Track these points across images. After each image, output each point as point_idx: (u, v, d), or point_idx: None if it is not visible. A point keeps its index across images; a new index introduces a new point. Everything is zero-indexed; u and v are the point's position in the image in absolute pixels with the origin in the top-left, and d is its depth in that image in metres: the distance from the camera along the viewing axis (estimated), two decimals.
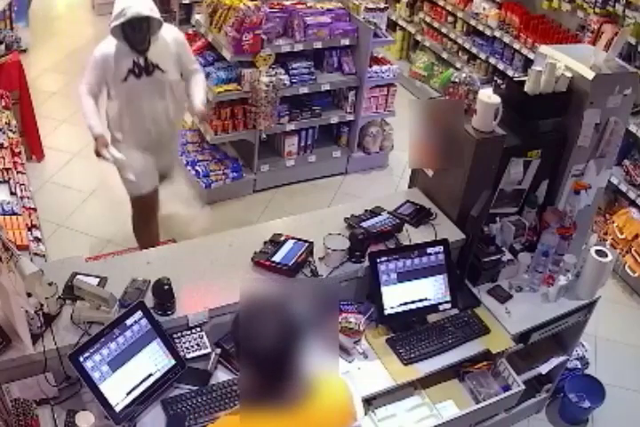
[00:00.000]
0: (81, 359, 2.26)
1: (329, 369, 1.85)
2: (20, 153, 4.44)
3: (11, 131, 4.46)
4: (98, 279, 2.62)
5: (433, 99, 3.87)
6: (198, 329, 2.60)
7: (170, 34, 3.67)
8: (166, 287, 2.52)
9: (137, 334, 2.41)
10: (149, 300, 2.54)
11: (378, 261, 2.78)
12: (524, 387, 2.84)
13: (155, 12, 3.49)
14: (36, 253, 3.61)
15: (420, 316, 2.90)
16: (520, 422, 3.61)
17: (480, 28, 5.88)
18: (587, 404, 3.63)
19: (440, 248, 2.87)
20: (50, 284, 2.42)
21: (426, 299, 2.87)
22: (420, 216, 3.14)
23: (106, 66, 3.60)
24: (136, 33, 3.47)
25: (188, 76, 3.83)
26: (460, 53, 6.33)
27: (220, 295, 2.64)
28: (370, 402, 2.69)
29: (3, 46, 6.11)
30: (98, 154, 3.61)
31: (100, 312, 2.47)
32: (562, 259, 3.06)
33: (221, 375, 2.57)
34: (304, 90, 4.83)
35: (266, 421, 1.71)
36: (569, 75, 3.05)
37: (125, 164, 3.64)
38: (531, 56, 5.23)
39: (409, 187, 3.48)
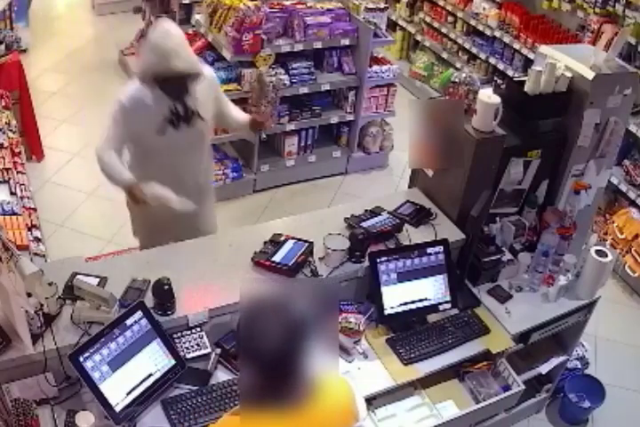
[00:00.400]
0: (81, 359, 2.26)
1: (329, 369, 1.85)
2: (20, 153, 4.44)
3: (11, 131, 4.46)
4: (98, 279, 2.62)
5: (433, 99, 3.87)
6: (198, 329, 2.60)
7: (208, 75, 3.18)
8: (166, 287, 2.52)
9: (137, 334, 2.40)
10: (149, 300, 2.54)
11: (378, 261, 2.78)
12: (523, 387, 2.84)
13: (196, 65, 2.98)
14: (36, 253, 3.61)
15: (420, 316, 2.90)
16: (520, 422, 3.61)
17: (480, 28, 5.88)
18: (587, 404, 3.63)
19: (440, 248, 2.87)
20: (50, 284, 2.42)
21: (426, 299, 2.87)
22: (420, 216, 3.14)
23: (136, 116, 2.99)
24: (173, 85, 2.96)
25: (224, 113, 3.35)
26: (459, 53, 6.33)
27: (220, 295, 2.64)
28: (370, 402, 2.69)
29: (3, 46, 6.11)
30: (137, 201, 2.98)
31: (100, 312, 2.47)
32: (562, 259, 3.06)
33: (221, 375, 2.57)
34: (304, 90, 4.83)
35: (267, 421, 1.71)
36: (569, 75, 3.05)
37: (168, 194, 2.99)
38: (531, 56, 5.23)
39: (409, 187, 3.48)
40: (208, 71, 3.22)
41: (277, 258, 2.79)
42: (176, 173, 3.13)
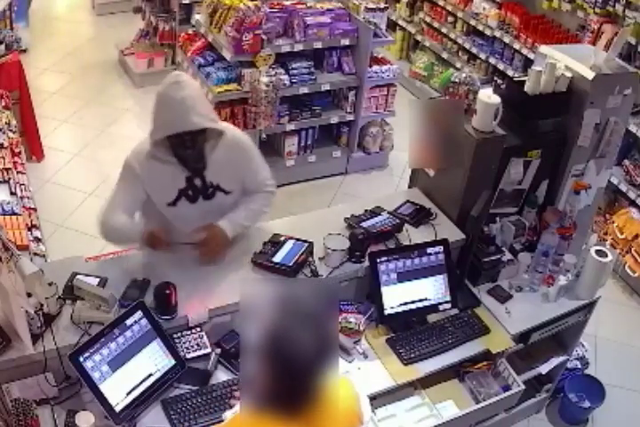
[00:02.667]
0: (81, 359, 2.26)
1: (330, 370, 1.85)
2: (19, 153, 4.44)
3: (11, 131, 4.46)
4: (98, 279, 2.62)
5: (433, 99, 3.86)
6: (198, 329, 2.60)
7: (231, 138, 2.69)
8: (167, 291, 2.51)
9: (137, 334, 2.40)
10: (149, 300, 2.54)
11: (378, 261, 2.78)
12: (523, 387, 2.84)
13: (213, 120, 2.58)
14: (35, 253, 3.61)
15: (420, 316, 2.90)
16: (520, 422, 3.61)
17: (480, 28, 5.88)
18: (587, 404, 3.63)
19: (440, 248, 2.87)
20: (50, 284, 2.42)
21: (426, 299, 2.87)
22: (420, 216, 3.14)
23: (146, 180, 2.63)
24: (187, 149, 2.59)
25: (257, 191, 2.84)
26: (460, 53, 6.33)
27: (220, 295, 2.65)
28: (370, 402, 2.68)
29: (3, 46, 6.11)
30: (160, 245, 2.69)
31: (99, 312, 2.47)
32: (562, 259, 3.06)
33: (221, 375, 2.57)
34: (304, 90, 4.83)
35: (271, 423, 1.71)
36: (569, 75, 3.05)
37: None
38: (531, 56, 5.23)
39: (409, 187, 3.48)
40: (236, 134, 2.75)
41: (277, 258, 2.79)
42: (182, 232, 2.76)
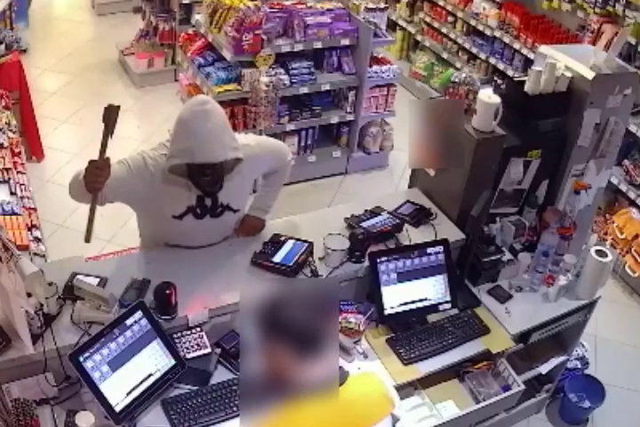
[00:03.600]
0: (81, 359, 2.26)
1: (328, 370, 1.86)
2: (19, 153, 4.44)
3: (11, 131, 4.46)
4: (98, 279, 2.62)
5: (433, 99, 3.87)
6: (198, 329, 2.60)
7: (247, 158, 2.55)
8: (167, 291, 2.51)
9: (137, 334, 2.40)
10: (149, 300, 2.54)
11: (378, 261, 2.78)
12: (524, 387, 2.84)
13: (235, 149, 2.47)
14: (35, 253, 3.61)
15: (420, 316, 2.90)
16: (520, 422, 3.62)
17: (480, 28, 5.88)
18: (587, 404, 3.63)
19: (440, 248, 2.87)
20: (50, 284, 2.42)
21: (426, 299, 2.87)
22: (420, 216, 3.14)
23: (154, 193, 2.57)
24: (206, 177, 2.52)
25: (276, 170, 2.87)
26: (459, 53, 6.33)
27: (220, 295, 2.64)
28: None
29: (3, 46, 6.11)
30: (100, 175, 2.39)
31: (99, 312, 2.47)
32: (562, 259, 3.06)
33: (221, 375, 2.56)
34: (304, 90, 4.83)
35: (305, 410, 1.73)
36: (569, 75, 3.05)
37: None
38: (531, 56, 5.23)
39: (409, 187, 3.48)
40: (249, 152, 2.59)
41: (277, 258, 2.78)
42: (186, 244, 2.81)
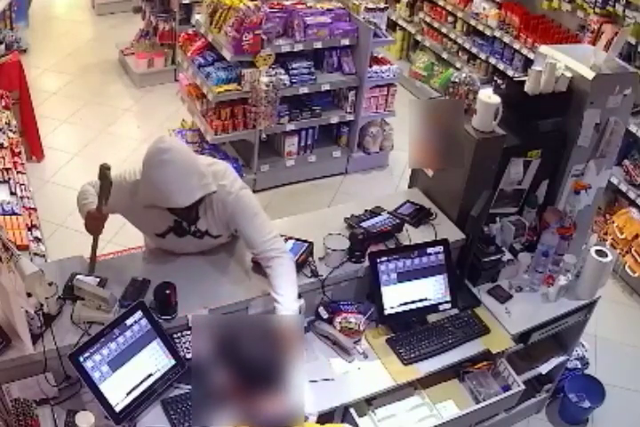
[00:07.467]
0: (81, 359, 2.26)
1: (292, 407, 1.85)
2: (20, 153, 4.44)
3: (11, 131, 4.46)
4: (98, 279, 2.62)
5: (433, 99, 3.87)
6: None
7: (223, 197, 2.54)
8: (167, 291, 2.51)
9: (137, 334, 2.40)
10: (149, 300, 2.54)
11: (378, 261, 2.78)
12: (523, 387, 2.85)
13: (204, 186, 2.42)
14: (35, 253, 3.61)
15: (420, 316, 2.90)
16: (520, 422, 3.62)
17: (480, 28, 5.88)
18: (587, 404, 3.63)
19: (440, 248, 2.87)
20: (50, 284, 2.42)
21: (426, 299, 2.87)
22: (420, 216, 3.14)
23: (132, 214, 2.66)
24: (180, 211, 2.50)
25: (264, 258, 2.62)
26: (459, 53, 6.33)
27: (220, 295, 2.65)
28: (370, 402, 2.69)
29: (3, 46, 6.12)
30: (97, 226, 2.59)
31: (99, 312, 2.47)
32: (562, 259, 3.06)
33: None
34: (304, 90, 4.83)
35: None
36: (569, 75, 3.05)
37: None
38: (531, 56, 5.23)
39: (409, 187, 3.48)
40: (229, 197, 2.54)
41: None
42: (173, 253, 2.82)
